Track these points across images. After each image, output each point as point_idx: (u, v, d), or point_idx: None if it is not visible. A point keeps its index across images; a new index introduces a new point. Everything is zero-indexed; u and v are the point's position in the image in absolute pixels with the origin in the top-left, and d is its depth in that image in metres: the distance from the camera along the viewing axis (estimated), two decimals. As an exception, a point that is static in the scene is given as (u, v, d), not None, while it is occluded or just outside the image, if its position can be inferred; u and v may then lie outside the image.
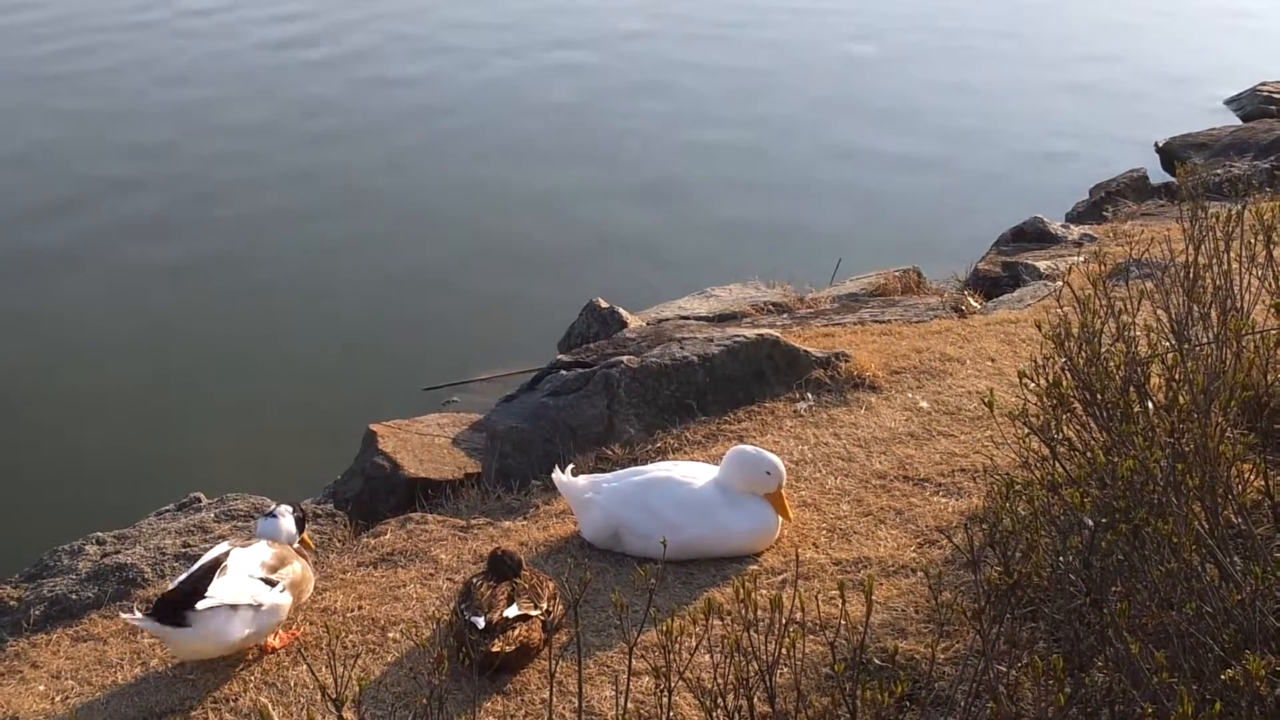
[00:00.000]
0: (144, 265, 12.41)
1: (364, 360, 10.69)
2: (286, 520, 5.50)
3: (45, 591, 5.99)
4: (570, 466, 6.14)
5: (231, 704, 4.94)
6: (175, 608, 4.84)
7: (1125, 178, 12.27)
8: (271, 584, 5.08)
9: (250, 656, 5.15)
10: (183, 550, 6.21)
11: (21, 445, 9.53)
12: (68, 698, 5.07)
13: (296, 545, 5.51)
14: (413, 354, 10.72)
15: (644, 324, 8.87)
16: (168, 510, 6.83)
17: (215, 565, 5.02)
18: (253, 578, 5.03)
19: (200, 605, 4.83)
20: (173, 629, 4.84)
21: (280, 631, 5.25)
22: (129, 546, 6.32)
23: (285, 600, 5.13)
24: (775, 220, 13.76)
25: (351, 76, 18.09)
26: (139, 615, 4.92)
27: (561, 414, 7.25)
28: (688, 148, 15.66)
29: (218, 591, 4.89)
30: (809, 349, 7.43)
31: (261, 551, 5.19)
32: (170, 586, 5.04)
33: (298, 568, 5.30)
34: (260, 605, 5.00)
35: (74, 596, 5.92)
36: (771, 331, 7.59)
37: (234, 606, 4.92)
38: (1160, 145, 13.64)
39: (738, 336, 7.43)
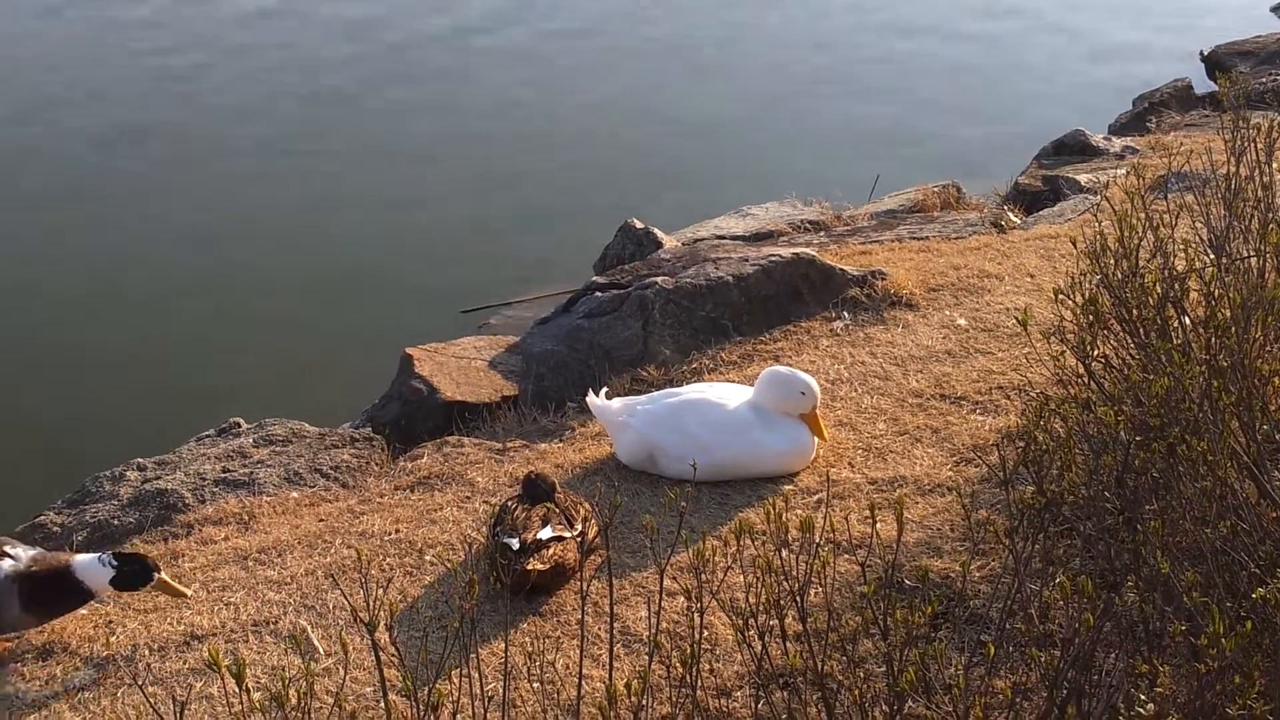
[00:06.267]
0: (182, 190, 12.43)
1: (400, 283, 10.70)
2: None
3: (88, 517, 6.06)
4: (604, 389, 6.14)
5: (271, 626, 4.99)
6: None
7: (1169, 88, 12.03)
8: None
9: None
10: (222, 475, 6.26)
11: (63, 372, 9.62)
12: (110, 622, 5.13)
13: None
14: (449, 276, 10.71)
15: (679, 244, 8.83)
16: (208, 435, 6.87)
17: None
18: None
19: None
20: None
21: None
22: (169, 472, 6.38)
23: None
24: (813, 137, 13.64)
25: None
26: None
27: (597, 336, 7.24)
28: (725, 65, 15.51)
29: None
30: (845, 267, 7.38)
31: None
32: None
33: None
34: None
35: (116, 522, 5.98)
36: (808, 250, 7.53)
37: None
38: (1205, 54, 13.37)
39: (773, 256, 7.38)
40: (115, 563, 4.96)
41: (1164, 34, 15.82)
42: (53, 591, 4.96)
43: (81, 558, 5.01)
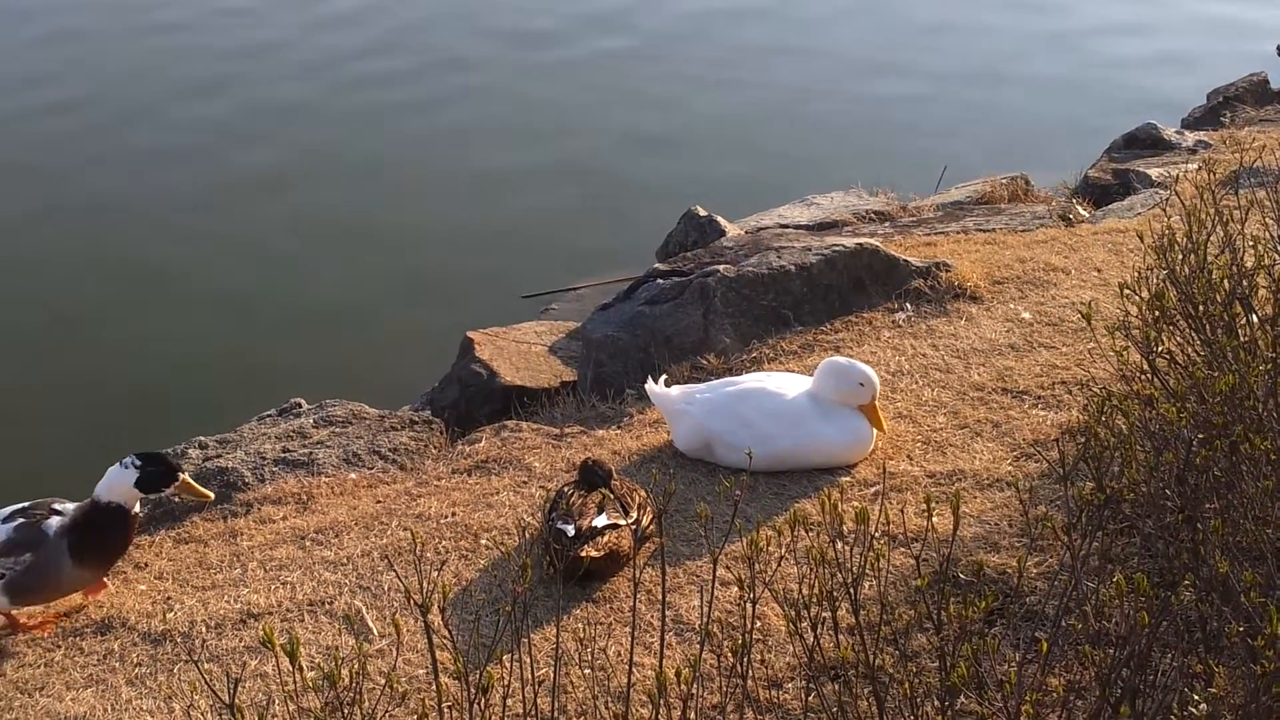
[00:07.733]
0: (243, 172, 12.54)
1: (462, 267, 10.74)
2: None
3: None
4: (664, 376, 6.12)
5: (327, 606, 5.02)
6: None
7: (1244, 82, 11.84)
8: None
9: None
10: (282, 455, 6.29)
11: (126, 349, 9.73)
12: (169, 598, 5.18)
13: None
14: (511, 261, 10.74)
15: (742, 232, 8.80)
16: (269, 415, 6.91)
17: None
18: None
19: None
20: None
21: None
22: (230, 451, 6.42)
23: None
24: (879, 128, 13.56)
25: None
26: None
27: (657, 323, 7.22)
28: (793, 54, 15.44)
29: None
30: (909, 258, 7.32)
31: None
32: None
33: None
34: None
35: (176, 499, 6.03)
36: (871, 241, 7.48)
37: None
38: (1281, 48, 13.15)
39: (836, 245, 7.33)
40: (139, 462, 5.06)
41: (1241, 28, 15.57)
42: (92, 530, 5.02)
43: (104, 479, 5.08)
